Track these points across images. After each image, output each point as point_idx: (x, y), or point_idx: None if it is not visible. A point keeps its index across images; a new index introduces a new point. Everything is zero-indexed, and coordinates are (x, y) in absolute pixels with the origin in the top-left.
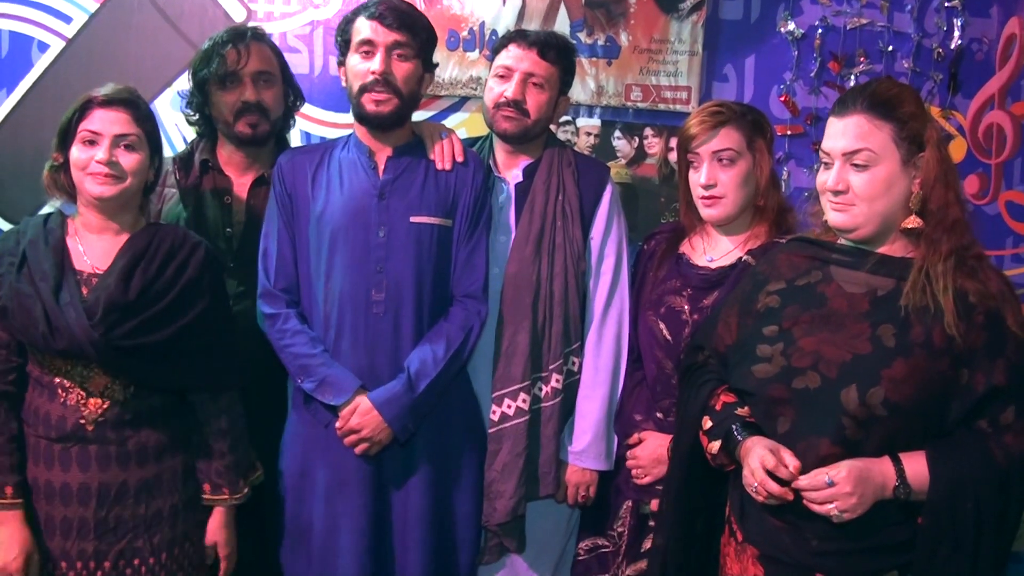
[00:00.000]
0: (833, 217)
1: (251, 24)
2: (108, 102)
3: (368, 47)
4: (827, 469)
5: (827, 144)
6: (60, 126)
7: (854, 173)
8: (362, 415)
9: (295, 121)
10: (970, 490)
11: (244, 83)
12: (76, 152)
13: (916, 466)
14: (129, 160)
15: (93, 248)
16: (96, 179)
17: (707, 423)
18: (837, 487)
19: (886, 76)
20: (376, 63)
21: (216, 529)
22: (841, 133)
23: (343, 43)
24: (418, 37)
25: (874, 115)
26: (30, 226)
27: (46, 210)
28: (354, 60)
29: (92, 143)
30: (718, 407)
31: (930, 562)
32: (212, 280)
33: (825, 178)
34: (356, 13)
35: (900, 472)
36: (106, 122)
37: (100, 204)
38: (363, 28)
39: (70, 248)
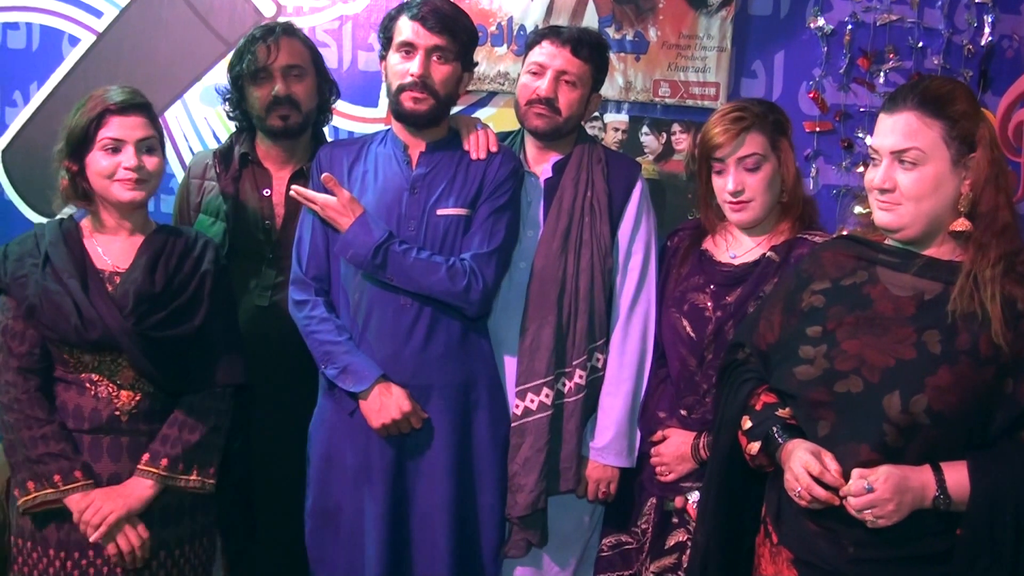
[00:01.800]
0: (879, 216)
1: (282, 19)
2: (125, 108)
3: (408, 48)
4: (867, 473)
5: (876, 141)
6: (73, 135)
7: (902, 172)
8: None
9: (331, 115)
10: (1011, 503)
11: (275, 77)
12: (99, 159)
13: (957, 476)
14: (152, 162)
15: (110, 248)
16: (126, 185)
17: (746, 423)
18: (876, 493)
19: (939, 74)
20: (415, 66)
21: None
22: (890, 130)
23: (385, 39)
24: (458, 39)
25: (924, 113)
26: (47, 229)
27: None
28: (395, 59)
29: (115, 150)
30: (758, 407)
31: (968, 574)
32: (223, 276)
33: (873, 176)
34: (399, 11)
35: (940, 482)
36: (127, 128)
37: (127, 207)
38: (405, 28)
39: (88, 249)
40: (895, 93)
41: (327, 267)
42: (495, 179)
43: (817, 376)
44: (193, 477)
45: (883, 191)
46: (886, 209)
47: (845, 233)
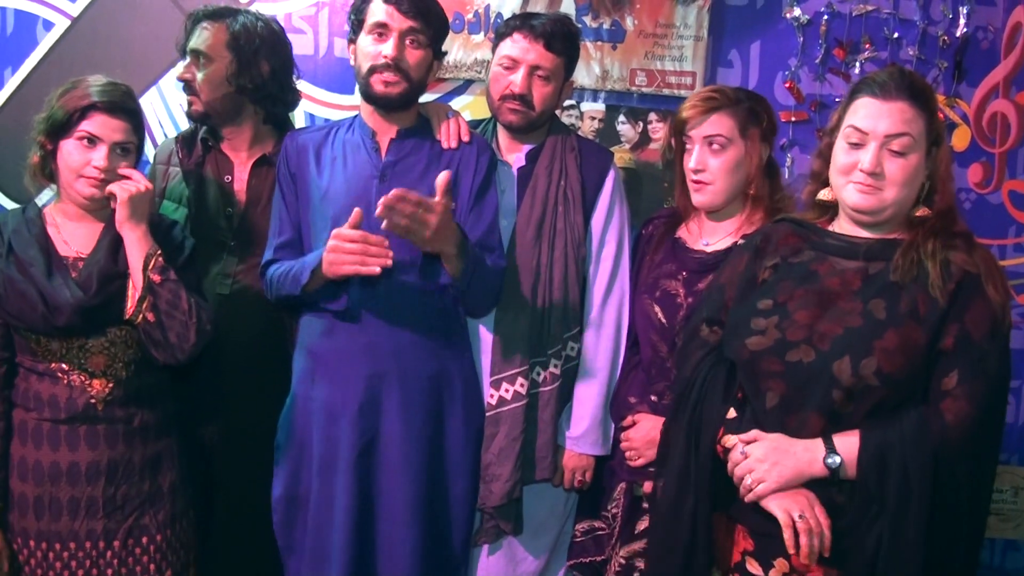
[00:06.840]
0: (856, 199)
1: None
2: (111, 109)
3: (382, 30)
4: (744, 437)
5: (866, 124)
6: (54, 118)
7: (890, 158)
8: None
9: (292, 99)
10: (897, 456)
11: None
12: (72, 151)
13: (847, 437)
14: (122, 165)
15: (74, 235)
16: (90, 183)
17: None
18: (751, 457)
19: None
20: (389, 48)
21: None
22: (887, 115)
23: (356, 22)
24: (432, 25)
25: (915, 104)
26: (10, 217)
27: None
28: (366, 41)
29: (91, 143)
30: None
31: (857, 526)
32: (191, 254)
33: (853, 159)
34: None
35: (828, 441)
36: (108, 128)
37: (87, 203)
38: (378, 11)
39: (52, 237)
40: (880, 80)
41: (299, 254)
42: (480, 180)
43: (769, 346)
44: (156, 275)
45: (872, 174)
46: (868, 192)
47: (784, 216)
